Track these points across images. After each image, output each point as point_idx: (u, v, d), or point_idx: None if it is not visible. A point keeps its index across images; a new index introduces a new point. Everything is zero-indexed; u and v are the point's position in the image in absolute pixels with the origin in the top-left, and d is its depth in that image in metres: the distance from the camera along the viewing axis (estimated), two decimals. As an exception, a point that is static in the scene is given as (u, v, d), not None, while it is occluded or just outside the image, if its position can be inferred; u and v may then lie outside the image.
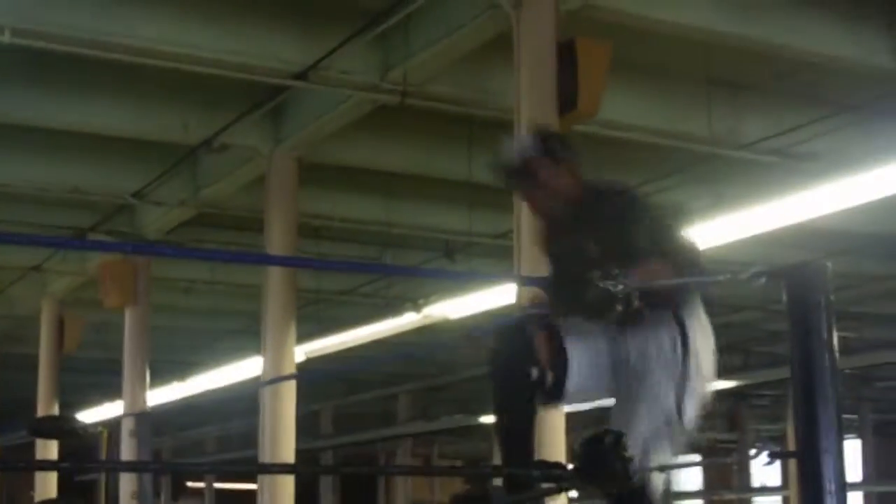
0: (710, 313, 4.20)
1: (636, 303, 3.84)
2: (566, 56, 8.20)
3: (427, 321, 14.08)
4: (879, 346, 17.95)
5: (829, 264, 3.72)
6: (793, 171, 11.05)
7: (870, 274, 16.07)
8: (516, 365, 4.13)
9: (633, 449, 3.73)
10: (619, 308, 3.81)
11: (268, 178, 11.72)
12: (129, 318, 15.06)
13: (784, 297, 3.67)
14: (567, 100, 8.11)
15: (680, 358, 4.09)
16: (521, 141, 4.60)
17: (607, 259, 3.98)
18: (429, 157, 12.03)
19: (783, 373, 5.98)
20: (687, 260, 4.11)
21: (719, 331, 4.25)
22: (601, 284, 3.71)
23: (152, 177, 12.81)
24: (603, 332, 4.15)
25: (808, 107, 10.89)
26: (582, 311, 3.88)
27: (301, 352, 13.59)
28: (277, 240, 11.67)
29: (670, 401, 4.07)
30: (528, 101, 8.02)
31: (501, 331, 4.37)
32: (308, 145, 11.44)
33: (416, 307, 13.09)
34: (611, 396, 4.24)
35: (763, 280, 3.71)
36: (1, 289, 17.93)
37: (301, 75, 9.72)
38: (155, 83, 10.71)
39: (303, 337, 13.27)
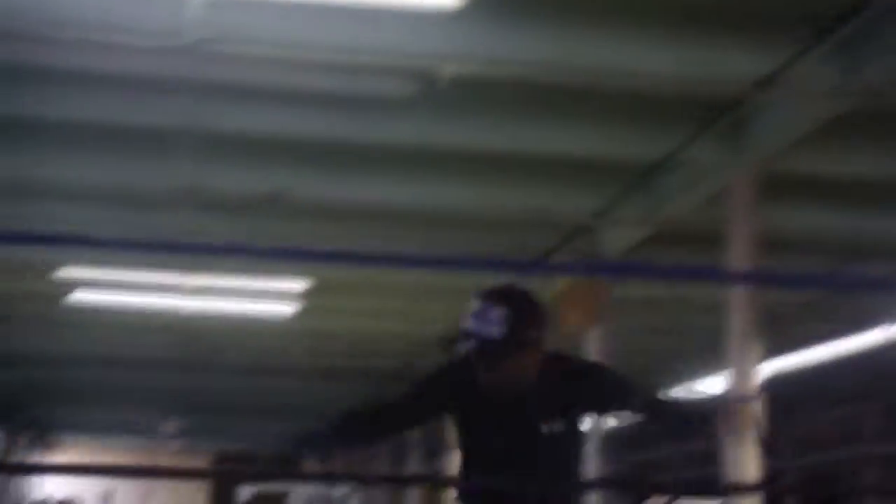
0: None
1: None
2: None
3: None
4: None
5: None
6: None
7: None
8: None
9: None
10: None
11: (727, 192, 11.50)
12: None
13: None
14: None
15: None
16: (490, 320, 3.92)
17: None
18: (896, 162, 11.41)
19: None
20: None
21: None
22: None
23: (609, 197, 12.81)
24: None
25: None
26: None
27: (766, 369, 13.22)
28: (738, 255, 11.38)
29: None
30: None
31: None
32: (767, 158, 11.12)
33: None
34: None
35: None
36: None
37: (759, 86, 9.44)
38: (609, 103, 10.73)
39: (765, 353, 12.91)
